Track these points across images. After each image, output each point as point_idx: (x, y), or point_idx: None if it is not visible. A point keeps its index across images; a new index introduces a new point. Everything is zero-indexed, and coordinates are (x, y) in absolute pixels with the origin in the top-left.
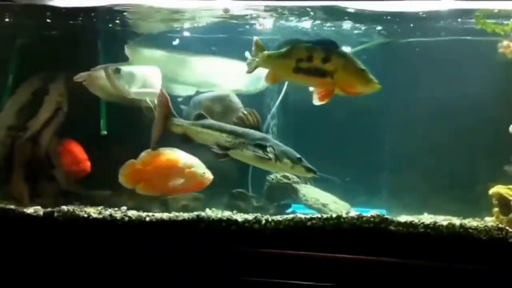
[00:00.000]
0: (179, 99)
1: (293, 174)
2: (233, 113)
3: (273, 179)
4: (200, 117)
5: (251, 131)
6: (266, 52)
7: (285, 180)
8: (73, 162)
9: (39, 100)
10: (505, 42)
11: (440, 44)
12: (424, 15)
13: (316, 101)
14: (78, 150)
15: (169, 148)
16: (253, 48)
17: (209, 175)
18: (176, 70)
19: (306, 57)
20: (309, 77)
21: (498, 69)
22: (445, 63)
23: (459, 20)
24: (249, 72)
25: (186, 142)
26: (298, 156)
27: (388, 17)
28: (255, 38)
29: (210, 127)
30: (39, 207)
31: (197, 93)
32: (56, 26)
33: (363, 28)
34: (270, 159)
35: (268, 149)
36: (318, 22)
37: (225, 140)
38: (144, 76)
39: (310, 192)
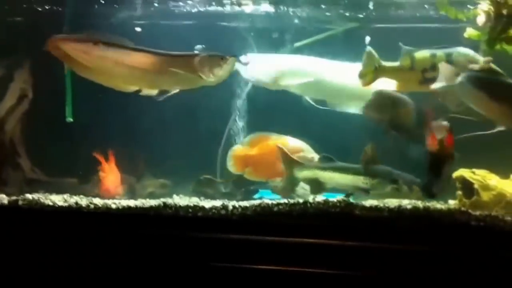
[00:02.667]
0: None
1: None
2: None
3: None
4: (327, 159)
5: (380, 166)
6: (386, 65)
7: None
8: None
9: (4, 87)
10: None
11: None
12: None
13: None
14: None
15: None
16: (364, 59)
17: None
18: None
19: (430, 66)
20: None
21: None
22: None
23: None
24: (366, 84)
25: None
26: (418, 179)
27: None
28: (367, 48)
29: (346, 170)
30: (3, 195)
31: None
32: (21, 12)
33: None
34: (405, 192)
35: (400, 182)
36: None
37: (362, 182)
38: None
39: None
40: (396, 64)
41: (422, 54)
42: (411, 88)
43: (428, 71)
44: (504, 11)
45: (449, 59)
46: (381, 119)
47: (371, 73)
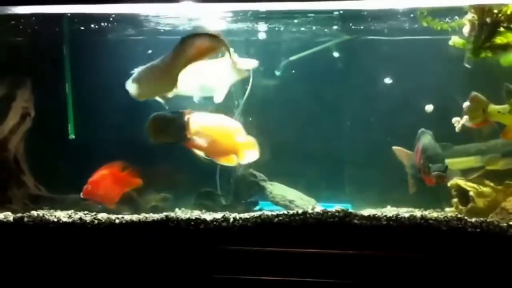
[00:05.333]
0: None
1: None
2: None
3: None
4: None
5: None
6: (496, 107)
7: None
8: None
9: (6, 107)
10: (454, 119)
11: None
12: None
13: None
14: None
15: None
16: (470, 103)
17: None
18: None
19: None
20: None
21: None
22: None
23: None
24: (475, 126)
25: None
26: None
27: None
28: (473, 93)
29: (465, 151)
30: (9, 213)
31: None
32: (21, 32)
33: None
34: None
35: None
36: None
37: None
38: None
39: (276, 189)
40: (506, 106)
41: None
42: None
43: None
44: (488, 20)
45: None
46: (166, 140)
47: (479, 117)
